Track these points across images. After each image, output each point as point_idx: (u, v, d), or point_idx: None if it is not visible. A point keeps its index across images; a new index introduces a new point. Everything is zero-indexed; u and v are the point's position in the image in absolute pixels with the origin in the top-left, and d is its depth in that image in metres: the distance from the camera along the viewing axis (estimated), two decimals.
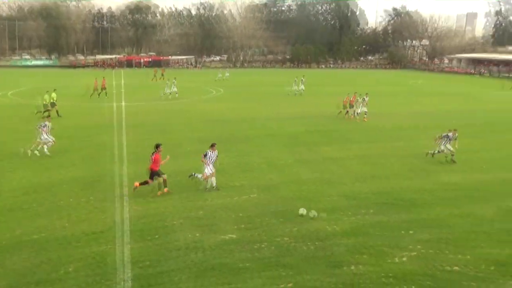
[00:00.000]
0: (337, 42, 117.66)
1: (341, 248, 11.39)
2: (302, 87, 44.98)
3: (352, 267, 10.44)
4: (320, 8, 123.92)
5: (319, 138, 24.72)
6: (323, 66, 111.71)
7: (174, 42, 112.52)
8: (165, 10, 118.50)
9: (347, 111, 31.46)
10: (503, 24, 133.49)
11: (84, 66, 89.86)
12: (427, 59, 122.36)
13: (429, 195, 15.63)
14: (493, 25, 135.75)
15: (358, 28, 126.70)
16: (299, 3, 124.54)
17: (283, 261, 10.67)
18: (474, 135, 26.63)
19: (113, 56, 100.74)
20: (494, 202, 15.09)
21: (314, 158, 20.19)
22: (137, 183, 15.08)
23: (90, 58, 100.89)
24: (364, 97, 30.90)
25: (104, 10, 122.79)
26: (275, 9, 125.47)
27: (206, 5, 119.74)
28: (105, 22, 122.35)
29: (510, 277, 10.15)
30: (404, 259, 10.90)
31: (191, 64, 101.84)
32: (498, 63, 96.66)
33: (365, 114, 30.71)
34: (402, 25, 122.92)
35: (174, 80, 41.82)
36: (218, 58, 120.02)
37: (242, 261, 10.63)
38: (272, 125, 28.47)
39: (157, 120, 29.59)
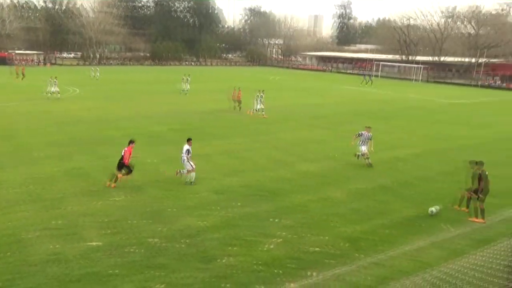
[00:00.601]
0: (197, 39, 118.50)
1: (212, 242, 11.54)
2: (188, 86, 44.27)
3: (224, 260, 10.66)
4: (178, 5, 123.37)
5: (184, 136, 24.49)
6: (186, 63, 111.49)
7: (19, 37, 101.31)
8: (6, 2, 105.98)
9: (240, 106, 33.52)
10: (345, 26, 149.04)
11: None
12: (282, 57, 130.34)
13: (289, 184, 16.71)
14: (336, 27, 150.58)
15: (219, 26, 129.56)
16: (155, 0, 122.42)
17: (154, 263, 10.42)
18: (326, 127, 29.24)
19: None
20: (344, 185, 16.81)
21: (180, 156, 20.03)
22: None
23: None
24: (261, 94, 31.99)
25: None
26: (133, 5, 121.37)
27: None
28: None
29: (362, 251, 11.38)
30: (272, 246, 11.49)
31: (39, 61, 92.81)
32: (343, 60, 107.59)
33: (263, 110, 31.81)
34: (258, 24, 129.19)
35: (55, 79, 38.07)
36: (72, 55, 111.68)
37: (111, 268, 10.10)
38: (134, 125, 27.46)
39: None
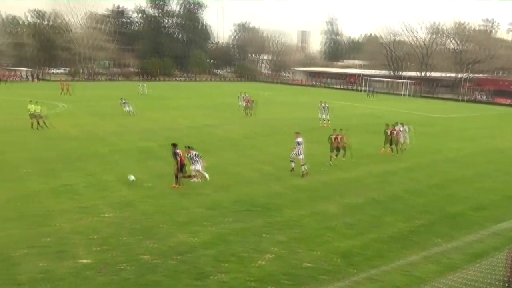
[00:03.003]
0: (186, 55, 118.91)
1: (204, 259, 11.38)
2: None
3: (217, 276, 10.51)
4: (167, 21, 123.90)
5: (169, 151, 24.39)
6: (176, 79, 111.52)
7: (5, 53, 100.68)
8: None
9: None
10: (332, 42, 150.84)
11: None
12: (271, 72, 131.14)
13: (281, 199, 16.63)
14: (324, 43, 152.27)
15: (209, 42, 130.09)
16: (144, 16, 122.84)
17: (146, 280, 10.23)
18: (315, 140, 29.27)
19: None
20: (335, 199, 16.78)
21: (169, 172, 19.87)
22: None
23: None
24: (326, 105, 36.61)
25: None
26: (122, 21, 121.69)
27: (40, 14, 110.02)
28: None
29: (354, 266, 11.31)
30: (264, 262, 11.36)
31: (27, 76, 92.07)
32: (331, 75, 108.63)
33: (328, 120, 36.02)
34: (247, 40, 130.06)
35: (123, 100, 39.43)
36: (60, 70, 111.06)
37: (103, 286, 9.88)
38: (121, 140, 27.25)
39: None
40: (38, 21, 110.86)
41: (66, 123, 33.32)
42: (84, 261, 11.05)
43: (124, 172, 19.46)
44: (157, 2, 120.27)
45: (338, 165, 22.36)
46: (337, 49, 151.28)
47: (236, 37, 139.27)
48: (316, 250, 12.17)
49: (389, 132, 25.50)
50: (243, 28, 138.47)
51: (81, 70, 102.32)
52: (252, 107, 41.62)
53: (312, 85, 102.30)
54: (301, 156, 20.17)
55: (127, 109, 39.72)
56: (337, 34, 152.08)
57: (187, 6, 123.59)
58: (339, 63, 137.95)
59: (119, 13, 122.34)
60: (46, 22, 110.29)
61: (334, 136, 22.63)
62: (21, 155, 22.12)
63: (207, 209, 15.19)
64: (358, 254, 12.01)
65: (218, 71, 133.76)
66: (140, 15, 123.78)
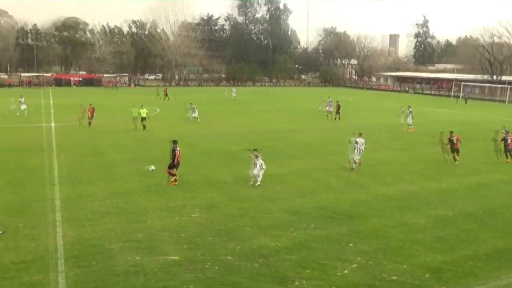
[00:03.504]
0: (271, 61, 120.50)
1: (285, 263, 11.45)
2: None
3: (297, 282, 10.51)
4: (253, 28, 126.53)
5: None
6: (258, 84, 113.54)
7: (107, 60, 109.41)
8: (96, 28, 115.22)
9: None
10: (422, 45, 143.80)
11: (10, 85, 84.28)
12: (356, 77, 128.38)
13: (365, 207, 16.21)
14: (413, 46, 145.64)
15: (291, 48, 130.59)
16: (232, 23, 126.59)
17: (227, 280, 10.52)
18: (402, 148, 28.20)
19: (41, 75, 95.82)
20: (424, 211, 15.95)
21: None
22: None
23: (15, 76, 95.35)
24: (410, 109, 36.29)
25: (29, 27, 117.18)
26: (209, 28, 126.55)
27: (138, 23, 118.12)
28: (30, 40, 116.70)
29: (444, 283, 10.68)
30: (346, 271, 11.15)
31: (125, 83, 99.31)
32: (421, 80, 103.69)
33: (411, 125, 35.67)
34: (333, 45, 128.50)
35: (192, 105, 39.82)
36: (153, 76, 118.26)
37: (186, 283, 10.34)
38: (207, 143, 28.32)
39: (88, 141, 28.29)
40: (137, 30, 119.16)
41: (159, 126, 35.42)
42: (172, 257, 11.65)
43: (210, 174, 20.26)
44: (244, 9, 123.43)
45: (427, 175, 21.30)
46: (428, 53, 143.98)
47: (322, 41, 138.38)
48: (402, 263, 11.69)
49: (499, 139, 24.42)
50: (329, 32, 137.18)
51: (169, 76, 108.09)
52: (338, 112, 41.45)
53: (399, 91, 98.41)
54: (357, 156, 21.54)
55: (193, 115, 39.04)
56: (427, 37, 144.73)
57: (273, 12, 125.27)
58: (430, 68, 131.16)
59: (208, 21, 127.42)
60: (142, 31, 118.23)
61: (456, 137, 23.31)
62: (120, 156, 23.91)
63: (290, 214, 15.26)
64: (449, 271, 11.32)
65: (303, 76, 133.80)
66: (228, 22, 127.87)
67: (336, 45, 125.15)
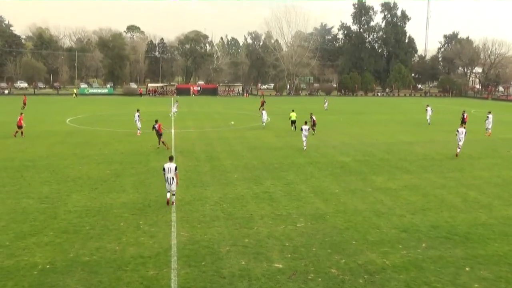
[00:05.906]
0: (386, 69, 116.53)
1: (392, 283, 10.92)
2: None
3: None
4: (367, 36, 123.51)
5: (367, 168, 24.12)
6: (370, 94, 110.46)
7: (223, 70, 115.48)
8: (215, 40, 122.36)
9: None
10: None
11: (141, 94, 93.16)
12: (480, 87, 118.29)
13: (485, 229, 14.78)
14: None
15: (407, 55, 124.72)
16: (345, 32, 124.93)
17: None
18: None
19: (164, 84, 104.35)
20: None
21: (362, 188, 19.72)
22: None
23: (142, 86, 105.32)
24: (488, 115, 38.34)
25: (157, 41, 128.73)
26: (324, 38, 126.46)
27: (253, 35, 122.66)
28: (157, 53, 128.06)
29: None
30: None
31: (238, 92, 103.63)
32: None
33: (489, 130, 37.70)
34: (453, 52, 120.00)
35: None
36: (265, 86, 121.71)
37: None
38: (318, 153, 28.20)
39: (204, 147, 29.97)
40: (251, 41, 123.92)
41: (270, 134, 36.26)
42: (276, 265, 11.79)
43: (318, 185, 20.14)
44: (359, 17, 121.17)
45: None
46: None
47: (442, 49, 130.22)
48: None
49: None
50: (451, 39, 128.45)
51: (281, 86, 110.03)
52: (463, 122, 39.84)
53: None
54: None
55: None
56: None
57: (389, 19, 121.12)
58: None
59: (322, 31, 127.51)
60: (257, 42, 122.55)
61: None
62: (233, 162, 24.94)
63: (400, 231, 14.53)
64: None
65: (420, 85, 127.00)
66: (341, 30, 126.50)
67: (459, 52, 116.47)
